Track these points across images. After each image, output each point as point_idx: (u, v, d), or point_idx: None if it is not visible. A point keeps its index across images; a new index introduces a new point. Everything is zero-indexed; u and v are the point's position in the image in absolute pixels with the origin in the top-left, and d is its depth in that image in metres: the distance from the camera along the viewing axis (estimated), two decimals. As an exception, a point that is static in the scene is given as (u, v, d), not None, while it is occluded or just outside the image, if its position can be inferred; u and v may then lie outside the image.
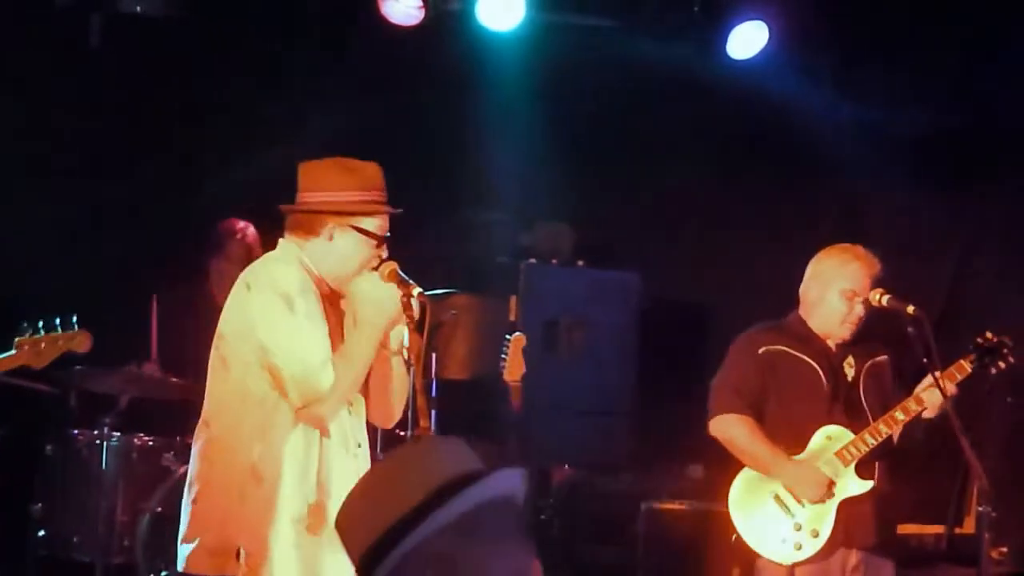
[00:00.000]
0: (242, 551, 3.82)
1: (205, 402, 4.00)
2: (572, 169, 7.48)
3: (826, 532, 4.94)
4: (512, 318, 6.84)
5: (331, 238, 3.97)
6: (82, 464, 6.10)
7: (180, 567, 3.96)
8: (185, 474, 5.88)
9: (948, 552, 6.53)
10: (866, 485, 4.97)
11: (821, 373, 5.04)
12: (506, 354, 4.73)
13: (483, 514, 1.98)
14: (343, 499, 3.90)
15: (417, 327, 3.89)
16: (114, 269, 6.89)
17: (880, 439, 4.94)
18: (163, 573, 5.82)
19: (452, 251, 7.29)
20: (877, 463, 5.01)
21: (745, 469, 5.07)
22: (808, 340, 5.11)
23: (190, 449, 5.98)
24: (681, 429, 5.97)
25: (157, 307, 6.66)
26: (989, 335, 4.95)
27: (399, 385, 4.10)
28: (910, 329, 4.74)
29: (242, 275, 4.00)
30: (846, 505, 4.96)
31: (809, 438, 5.01)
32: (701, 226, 7.79)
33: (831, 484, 4.94)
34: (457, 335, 6.94)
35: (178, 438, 6.12)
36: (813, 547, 4.94)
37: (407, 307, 3.89)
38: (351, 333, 3.99)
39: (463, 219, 7.66)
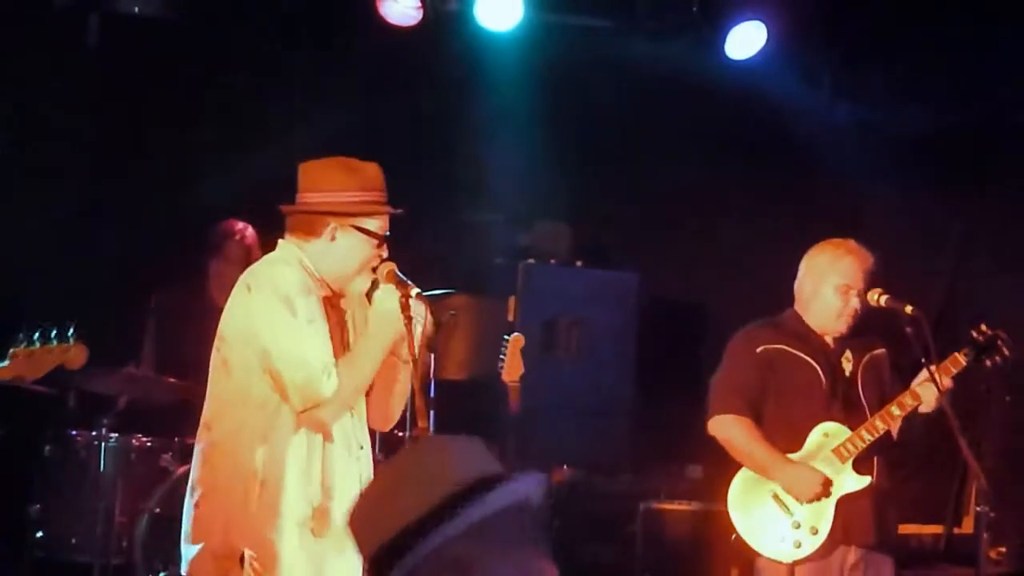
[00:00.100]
0: (247, 555, 3.81)
1: (206, 404, 3.99)
2: (570, 169, 7.49)
3: (825, 529, 4.94)
4: (510, 318, 6.83)
5: (333, 238, 3.96)
6: (80, 465, 6.09)
7: (183, 571, 3.95)
8: (184, 475, 5.89)
9: (947, 552, 6.53)
10: (864, 481, 4.98)
11: (819, 370, 5.04)
12: (504, 354, 4.73)
13: (502, 519, 1.97)
14: (346, 501, 3.92)
15: (415, 328, 3.89)
16: (112, 270, 6.89)
17: (877, 435, 4.95)
18: (161, 574, 5.82)
19: (450, 251, 7.29)
20: (875, 459, 5.02)
21: (743, 468, 5.07)
22: (805, 337, 5.11)
23: (189, 450, 5.97)
24: (680, 429, 5.98)
25: (156, 308, 6.66)
26: (984, 327, 4.95)
27: (402, 391, 4.10)
28: (908, 329, 4.74)
29: (242, 277, 3.99)
30: (845, 502, 4.97)
31: (807, 436, 5.01)
32: (699, 226, 7.79)
33: (828, 482, 4.95)
34: (455, 335, 6.94)
35: (176, 439, 6.12)
36: (812, 545, 4.94)
37: (405, 307, 3.89)
38: (359, 340, 3.98)
39: (461, 219, 7.66)
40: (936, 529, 6.64)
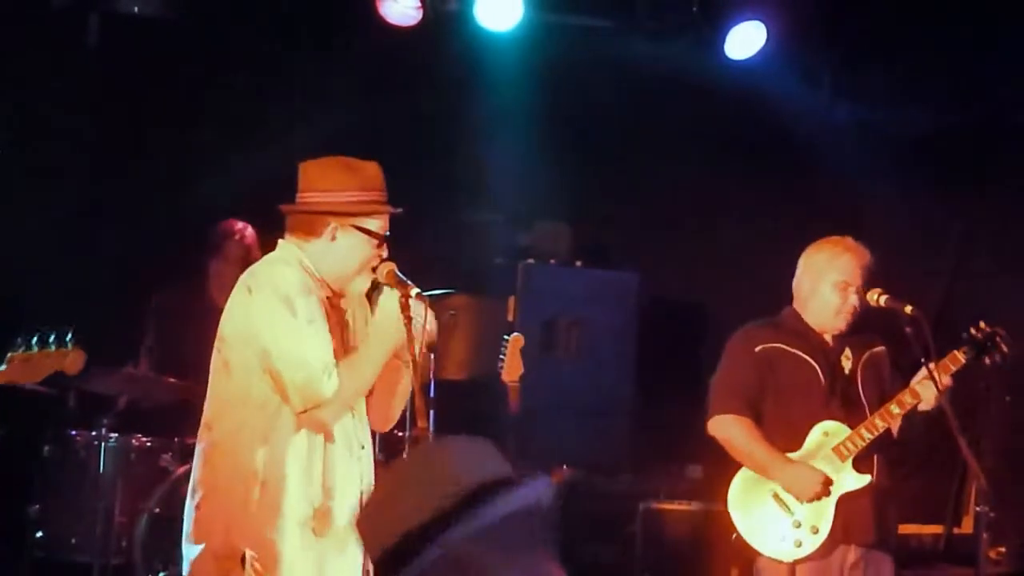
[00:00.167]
0: (248, 556, 3.81)
1: (206, 404, 3.99)
2: (570, 169, 7.49)
3: (825, 528, 4.94)
4: (510, 318, 6.83)
5: (333, 238, 3.96)
6: (80, 465, 6.09)
7: (185, 571, 3.95)
8: (183, 475, 5.90)
9: (946, 552, 6.53)
10: (864, 480, 4.98)
11: (818, 369, 5.04)
12: (504, 354, 4.73)
13: (511, 523, 1.96)
14: (347, 501, 3.92)
15: (415, 327, 3.88)
16: (112, 270, 6.89)
17: (877, 433, 4.94)
18: (161, 574, 5.82)
19: (450, 251, 7.28)
20: (875, 458, 5.01)
21: (743, 468, 5.07)
22: (804, 335, 5.11)
23: (188, 450, 5.98)
24: (679, 429, 5.97)
25: (156, 308, 6.66)
26: (983, 324, 4.95)
27: (403, 392, 4.10)
28: (908, 329, 4.74)
29: (242, 277, 3.99)
30: (845, 501, 4.96)
31: (806, 435, 5.01)
32: (699, 226, 7.79)
33: (828, 481, 4.94)
34: (455, 335, 6.94)
35: (176, 439, 6.12)
36: (813, 544, 4.94)
37: (405, 307, 3.88)
38: (361, 344, 3.98)
39: (461, 219, 7.66)
40: (936, 529, 6.64)
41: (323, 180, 3.98)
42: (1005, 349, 4.93)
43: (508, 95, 7.21)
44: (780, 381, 5.06)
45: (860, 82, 7.46)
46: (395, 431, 4.48)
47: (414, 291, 3.91)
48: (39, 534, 6.07)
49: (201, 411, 4.00)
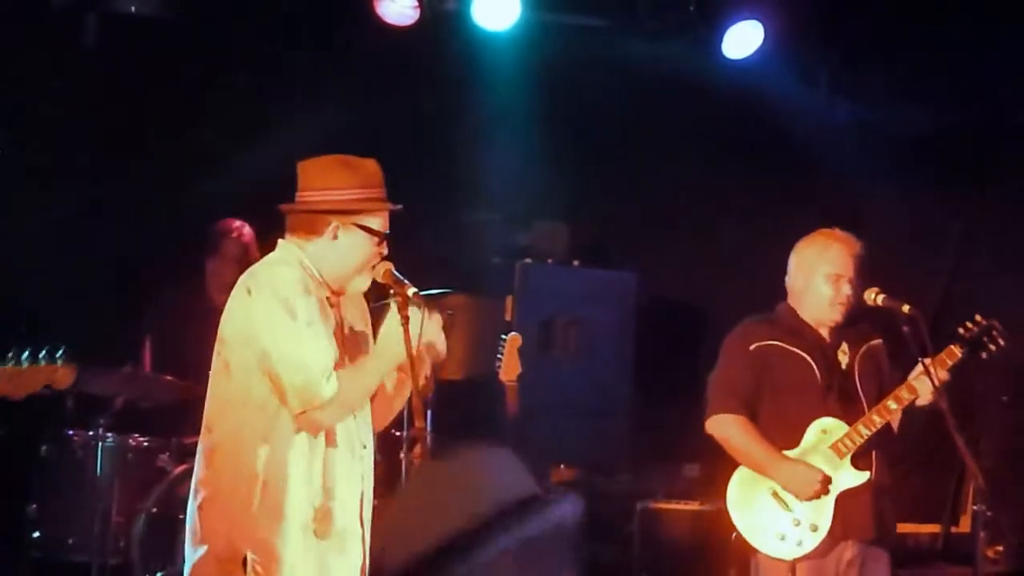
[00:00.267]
0: (249, 559, 3.81)
1: (207, 406, 3.98)
2: (568, 169, 7.49)
3: (825, 526, 4.94)
4: (508, 318, 6.85)
5: (335, 237, 3.95)
6: (78, 465, 6.09)
7: (187, 573, 3.95)
8: (180, 475, 5.91)
9: (944, 551, 6.54)
10: (862, 477, 4.97)
11: (814, 365, 5.04)
12: (502, 354, 4.72)
13: (540, 543, 1.95)
14: (348, 501, 3.91)
15: (412, 328, 3.88)
16: (112, 270, 6.89)
17: (874, 429, 4.94)
18: (158, 574, 5.82)
19: (448, 251, 7.28)
20: (874, 454, 5.01)
21: (742, 467, 5.07)
22: (800, 331, 5.11)
23: (186, 450, 6.00)
24: (678, 428, 5.97)
25: (156, 308, 6.66)
26: (979, 318, 4.95)
27: (405, 395, 4.09)
28: (905, 328, 4.74)
29: (242, 278, 3.97)
30: (844, 498, 4.96)
31: (804, 432, 5.01)
32: (697, 225, 7.79)
33: (826, 479, 4.94)
34: (453, 335, 6.93)
35: (173, 439, 6.12)
36: (813, 542, 4.94)
37: (403, 308, 3.88)
38: (366, 358, 3.97)
39: (459, 219, 7.66)
40: (933, 528, 6.65)
41: (323, 179, 3.97)
42: (1001, 343, 4.93)
43: (506, 95, 7.21)
44: (776, 379, 5.06)
45: (860, 82, 7.46)
46: (392, 431, 4.49)
47: (411, 290, 3.91)
48: (37, 534, 6.07)
49: (200, 411, 4.00)
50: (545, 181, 7.49)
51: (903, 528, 6.33)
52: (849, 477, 4.97)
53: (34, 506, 6.08)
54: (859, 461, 4.98)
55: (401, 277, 3.94)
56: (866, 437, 4.94)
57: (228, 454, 3.88)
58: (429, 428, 4.40)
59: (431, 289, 4.30)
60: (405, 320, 3.86)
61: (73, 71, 7.03)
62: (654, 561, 6.51)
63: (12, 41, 6.72)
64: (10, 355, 3.93)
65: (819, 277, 5.07)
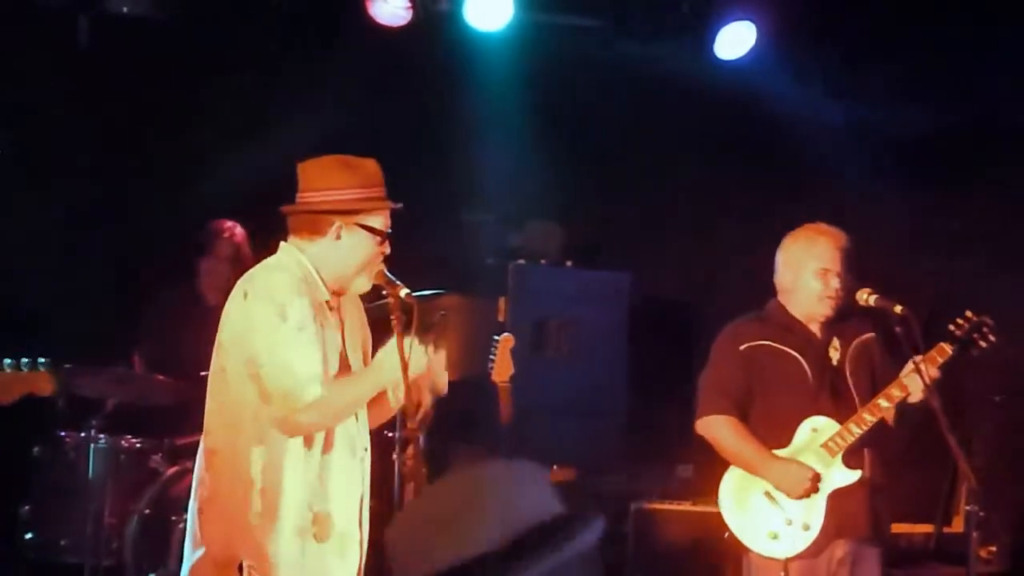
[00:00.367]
0: (245, 566, 3.80)
1: (206, 409, 3.99)
2: (561, 169, 7.48)
3: (817, 525, 4.94)
4: (501, 319, 6.83)
5: (338, 237, 3.94)
6: (70, 466, 6.08)
7: (185, 574, 3.95)
8: (173, 476, 5.91)
9: (937, 551, 6.54)
10: (854, 475, 4.97)
11: (805, 364, 5.04)
12: (495, 355, 4.72)
13: (568, 570, 1.90)
14: (347, 505, 3.90)
15: (405, 328, 3.87)
16: (112, 270, 6.89)
17: (866, 428, 4.94)
18: (151, 575, 5.81)
19: (441, 251, 7.27)
20: (866, 452, 5.01)
21: (733, 467, 5.07)
22: (790, 328, 5.11)
23: (178, 451, 6.00)
24: (671, 429, 5.98)
25: (154, 308, 6.66)
26: (969, 314, 4.95)
27: (399, 399, 4.09)
28: (898, 329, 4.74)
29: (240, 282, 3.97)
30: (836, 497, 4.96)
31: (795, 431, 5.01)
32: (691, 226, 7.79)
33: (817, 477, 4.94)
34: (446, 336, 6.92)
35: (166, 440, 6.11)
36: (805, 541, 4.94)
37: (395, 308, 3.88)
38: (358, 375, 3.96)
39: (452, 220, 7.65)
40: (926, 528, 6.65)
41: (324, 179, 3.97)
42: (992, 339, 4.92)
43: (498, 95, 7.21)
44: (767, 378, 5.06)
45: (859, 82, 7.46)
46: (385, 431, 4.48)
47: (403, 292, 3.91)
48: (29, 536, 6.05)
49: (193, 411, 4.00)
50: (538, 181, 7.48)
51: (896, 528, 6.32)
52: (841, 475, 4.97)
53: (27, 508, 6.07)
54: (851, 459, 4.98)
55: (393, 278, 3.94)
56: (857, 435, 4.94)
57: (226, 458, 3.88)
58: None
59: (424, 290, 4.30)
60: (397, 321, 3.85)
61: (71, 71, 7.02)
62: (648, 561, 6.51)
63: (12, 40, 6.71)
64: None
65: (807, 272, 5.07)
